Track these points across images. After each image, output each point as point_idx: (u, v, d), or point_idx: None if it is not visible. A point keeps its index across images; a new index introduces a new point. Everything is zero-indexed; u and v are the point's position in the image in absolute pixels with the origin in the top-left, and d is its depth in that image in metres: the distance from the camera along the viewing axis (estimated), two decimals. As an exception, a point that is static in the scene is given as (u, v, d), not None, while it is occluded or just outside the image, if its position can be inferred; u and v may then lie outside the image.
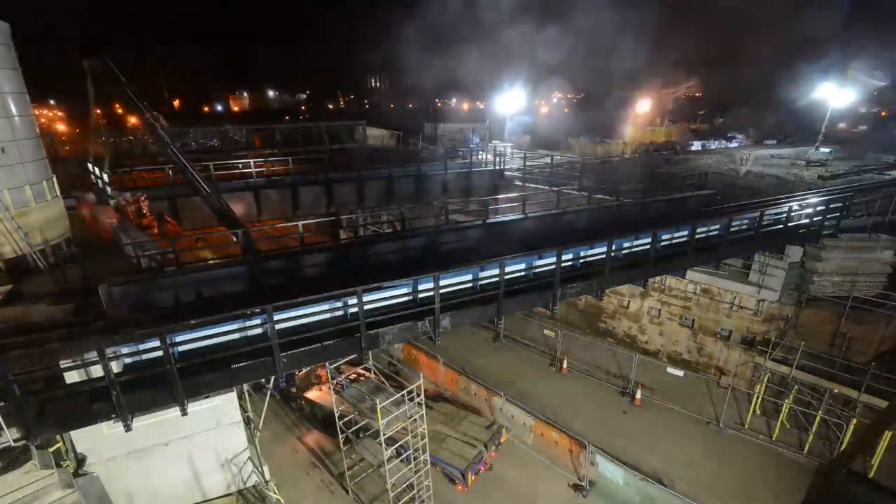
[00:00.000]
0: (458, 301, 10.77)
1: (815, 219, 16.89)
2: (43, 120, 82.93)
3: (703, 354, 20.63)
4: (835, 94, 33.54)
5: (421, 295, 10.64)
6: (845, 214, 17.59)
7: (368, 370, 16.46)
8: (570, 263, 13.07)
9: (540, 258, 12.35)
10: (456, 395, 19.68)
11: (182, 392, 8.07)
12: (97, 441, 9.77)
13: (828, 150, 30.78)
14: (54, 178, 16.44)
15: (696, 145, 45.12)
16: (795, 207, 16.52)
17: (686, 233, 14.62)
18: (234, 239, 14.26)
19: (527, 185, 25.85)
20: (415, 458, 13.56)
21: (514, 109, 44.62)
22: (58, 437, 9.13)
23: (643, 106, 42.67)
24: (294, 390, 18.60)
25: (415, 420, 13.32)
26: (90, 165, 22.47)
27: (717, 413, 17.96)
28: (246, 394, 13.60)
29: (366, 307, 9.33)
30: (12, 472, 8.35)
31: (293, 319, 9.26)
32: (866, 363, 16.27)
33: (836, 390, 15.77)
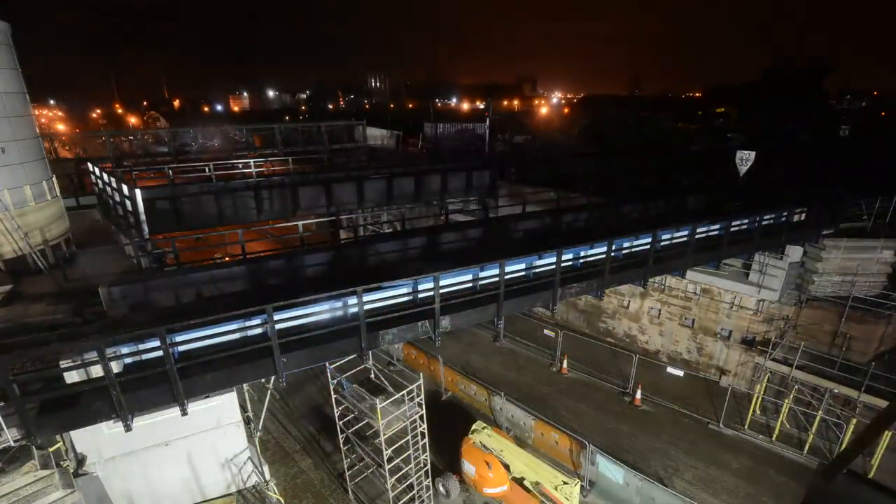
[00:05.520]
0: (458, 301, 10.77)
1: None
2: (43, 120, 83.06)
3: (703, 354, 20.63)
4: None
5: (421, 295, 10.64)
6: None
7: (368, 370, 16.44)
8: (570, 263, 13.07)
9: (540, 258, 12.35)
10: (456, 395, 19.70)
11: (182, 392, 8.07)
12: (97, 441, 9.78)
13: None
14: (54, 178, 16.45)
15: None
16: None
17: (686, 233, 14.62)
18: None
19: (526, 185, 25.83)
20: (415, 459, 13.56)
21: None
22: (58, 437, 9.13)
23: None
24: None
25: (415, 420, 13.32)
26: (90, 165, 22.46)
27: (717, 413, 17.96)
28: (246, 394, 13.60)
29: (366, 307, 9.33)
30: (12, 472, 8.34)
31: (293, 319, 9.26)
32: (866, 363, 16.27)
33: (836, 390, 15.78)
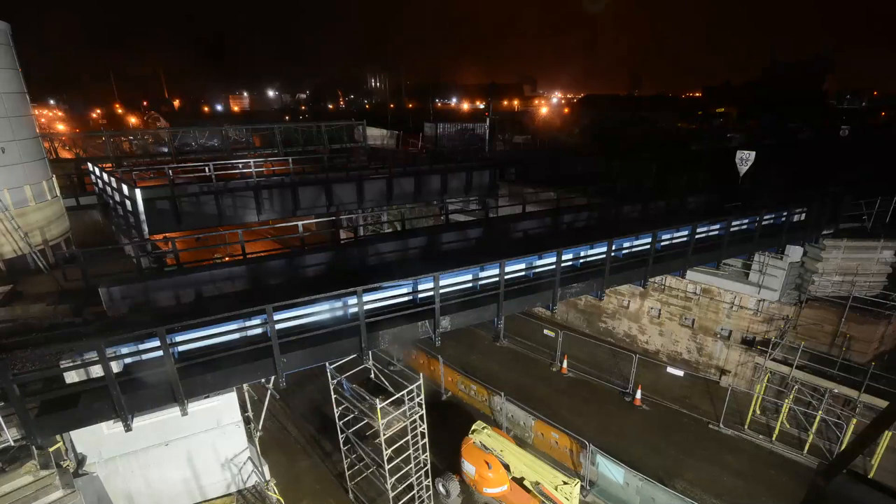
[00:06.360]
0: (458, 301, 10.76)
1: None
2: (43, 120, 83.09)
3: (703, 354, 20.63)
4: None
5: (421, 295, 10.64)
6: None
7: (368, 370, 16.42)
8: (570, 263, 13.07)
9: (540, 258, 12.35)
10: (456, 395, 19.70)
11: (182, 392, 8.07)
12: (97, 441, 9.76)
13: None
14: (54, 178, 16.46)
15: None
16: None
17: (686, 233, 14.62)
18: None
19: (526, 185, 25.85)
20: (415, 459, 13.56)
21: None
22: (58, 437, 9.14)
23: None
24: None
25: (415, 420, 13.32)
26: (90, 165, 22.48)
27: (717, 413, 17.96)
28: (246, 394, 13.59)
29: (366, 307, 9.32)
30: (12, 472, 8.34)
31: (293, 319, 9.26)
32: (866, 363, 16.28)
33: (836, 390, 15.77)
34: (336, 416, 13.77)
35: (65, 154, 38.89)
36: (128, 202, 17.25)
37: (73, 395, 7.71)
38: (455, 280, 11.18)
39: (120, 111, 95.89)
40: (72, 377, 8.10)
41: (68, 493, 8.68)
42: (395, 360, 21.48)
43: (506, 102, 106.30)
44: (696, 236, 14.34)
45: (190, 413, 8.53)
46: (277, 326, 8.62)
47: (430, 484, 14.12)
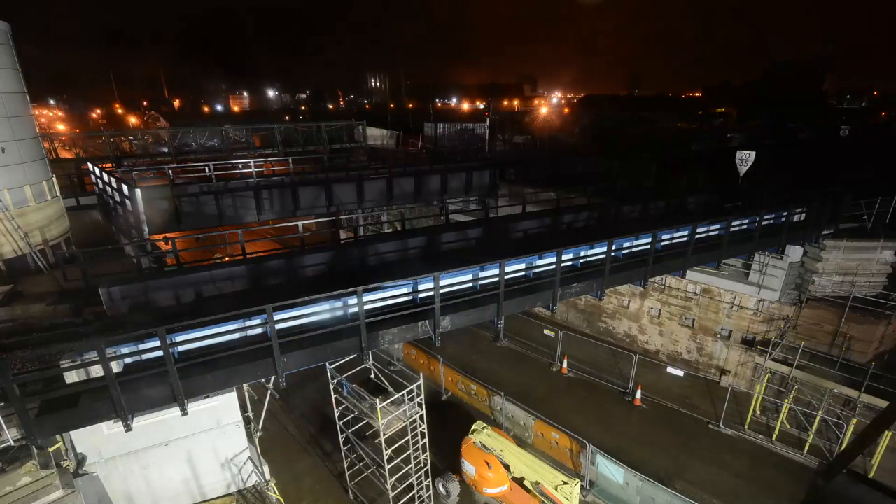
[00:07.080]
0: (458, 301, 10.77)
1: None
2: (43, 120, 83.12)
3: (703, 354, 20.63)
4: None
5: (421, 295, 10.64)
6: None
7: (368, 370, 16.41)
8: (570, 263, 13.07)
9: (540, 258, 12.36)
10: (456, 395, 19.70)
11: (182, 392, 8.07)
12: (97, 441, 9.76)
13: None
14: (54, 178, 16.45)
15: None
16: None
17: (686, 233, 14.63)
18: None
19: (526, 185, 25.84)
20: (415, 459, 13.56)
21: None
22: (58, 437, 9.14)
23: None
24: None
25: (415, 420, 13.32)
26: (90, 165, 22.48)
27: (717, 413, 17.96)
28: (246, 394, 13.59)
29: (366, 307, 9.33)
30: (12, 472, 8.35)
31: (293, 319, 9.26)
32: (866, 363, 16.28)
33: (836, 390, 15.78)
34: (336, 416, 13.77)
35: (65, 154, 38.94)
36: (128, 202, 17.24)
37: (73, 395, 7.71)
38: (455, 280, 11.19)
39: (120, 111, 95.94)
40: (72, 377, 8.10)
41: (68, 493, 8.68)
42: (395, 360, 21.48)
43: (506, 102, 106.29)
44: (696, 236, 14.34)
45: (190, 413, 8.53)
46: (277, 326, 8.62)
47: (430, 484, 14.12)
